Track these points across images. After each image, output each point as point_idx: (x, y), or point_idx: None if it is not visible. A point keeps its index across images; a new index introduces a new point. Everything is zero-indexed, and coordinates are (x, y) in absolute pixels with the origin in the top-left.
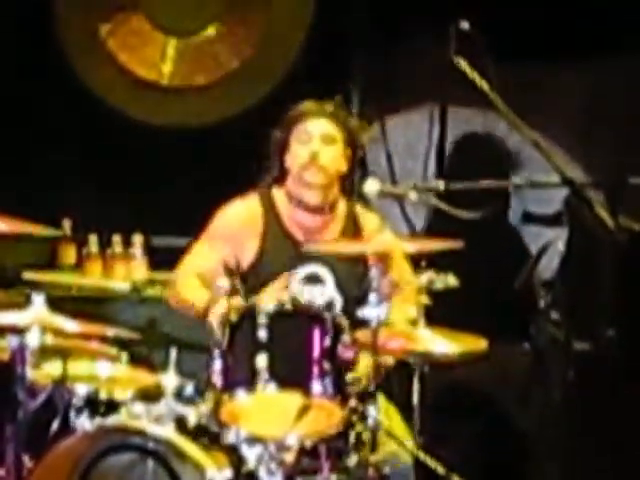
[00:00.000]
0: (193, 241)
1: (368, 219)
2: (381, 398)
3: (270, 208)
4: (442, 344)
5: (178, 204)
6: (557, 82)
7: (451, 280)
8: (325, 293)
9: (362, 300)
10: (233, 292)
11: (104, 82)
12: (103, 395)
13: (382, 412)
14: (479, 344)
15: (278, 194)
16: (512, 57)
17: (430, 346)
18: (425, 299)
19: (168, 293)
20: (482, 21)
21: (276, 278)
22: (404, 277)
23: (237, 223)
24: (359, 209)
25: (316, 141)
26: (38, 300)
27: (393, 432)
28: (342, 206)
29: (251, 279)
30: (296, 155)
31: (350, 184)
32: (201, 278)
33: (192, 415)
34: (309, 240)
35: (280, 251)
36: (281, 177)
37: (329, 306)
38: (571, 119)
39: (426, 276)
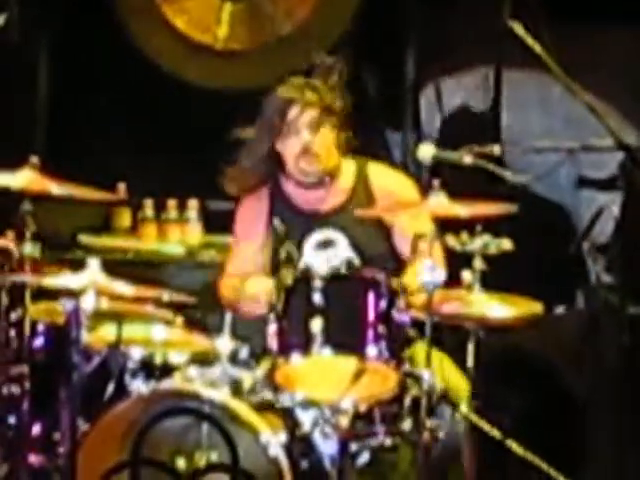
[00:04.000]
0: None
1: (381, 176)
2: (435, 352)
3: (275, 186)
4: (497, 308)
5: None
6: (612, 44)
7: (506, 244)
8: (338, 255)
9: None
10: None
11: (159, 47)
12: (158, 359)
13: (437, 365)
14: (534, 308)
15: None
16: (566, 19)
17: (485, 310)
18: (480, 263)
19: (232, 304)
20: None
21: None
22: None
23: (251, 214)
24: (372, 168)
25: (305, 132)
26: (93, 264)
27: (448, 396)
28: (350, 167)
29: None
30: (288, 146)
31: (350, 140)
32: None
33: (247, 379)
34: (313, 210)
35: (289, 221)
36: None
37: (349, 265)
38: (626, 82)
39: (481, 240)
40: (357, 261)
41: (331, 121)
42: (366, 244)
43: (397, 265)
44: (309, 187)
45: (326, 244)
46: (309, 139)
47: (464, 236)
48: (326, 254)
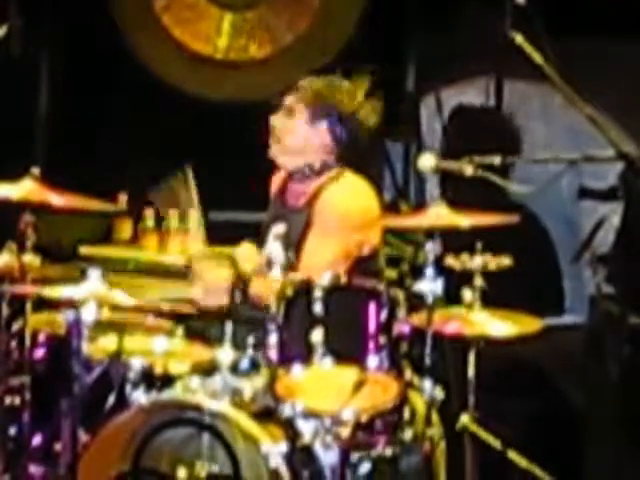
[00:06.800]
0: (249, 215)
1: (331, 192)
2: None
3: (282, 180)
4: (498, 326)
5: (234, 179)
6: (611, 55)
7: (505, 261)
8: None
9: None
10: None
11: (159, 58)
12: (159, 369)
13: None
14: (534, 325)
15: None
16: (567, 31)
17: (486, 329)
18: (480, 281)
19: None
20: None
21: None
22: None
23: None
24: (336, 185)
25: (274, 115)
26: (94, 275)
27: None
28: (332, 173)
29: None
30: None
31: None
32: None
33: (248, 389)
34: (286, 202)
35: (274, 211)
36: None
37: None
38: (626, 92)
39: (481, 259)
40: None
41: (311, 116)
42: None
43: None
44: (294, 180)
45: (284, 237)
46: (274, 121)
47: (464, 256)
48: (277, 246)
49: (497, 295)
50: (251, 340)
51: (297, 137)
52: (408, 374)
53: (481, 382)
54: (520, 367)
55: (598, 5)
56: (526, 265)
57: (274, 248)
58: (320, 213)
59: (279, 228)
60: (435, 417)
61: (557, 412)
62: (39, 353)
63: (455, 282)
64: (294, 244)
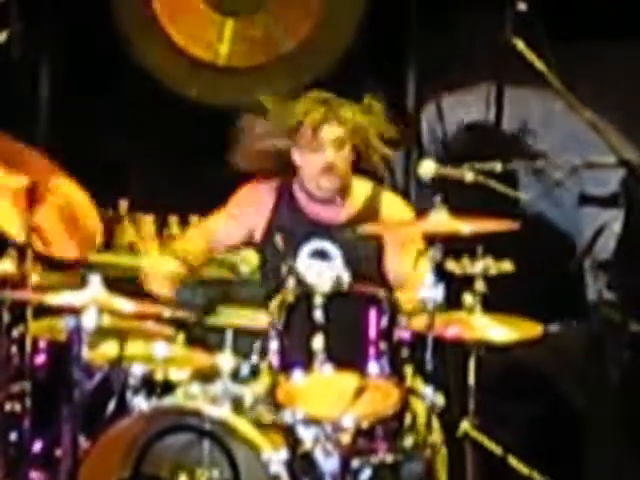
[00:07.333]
0: None
1: (392, 207)
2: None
3: (285, 186)
4: (498, 331)
5: (236, 185)
6: (613, 62)
7: (506, 266)
8: (333, 269)
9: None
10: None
11: (160, 63)
12: (159, 376)
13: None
14: (535, 330)
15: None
16: (568, 37)
17: (486, 334)
18: (481, 286)
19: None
20: (539, 2)
21: (288, 251)
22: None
23: (249, 197)
24: (387, 196)
25: (329, 150)
26: (95, 280)
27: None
28: (362, 188)
29: (266, 251)
30: (309, 162)
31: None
32: (208, 239)
33: (248, 396)
34: (318, 221)
35: (291, 226)
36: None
37: (338, 281)
38: (627, 99)
39: (482, 263)
40: (346, 279)
41: (350, 141)
42: (361, 265)
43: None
44: (320, 201)
45: (321, 255)
46: (333, 158)
47: (465, 261)
48: (319, 265)
49: (498, 300)
50: (256, 347)
51: (348, 165)
52: (409, 380)
53: (482, 386)
54: (521, 371)
55: (598, 8)
56: (527, 271)
57: (307, 268)
58: (390, 222)
59: (314, 245)
60: (436, 423)
61: (558, 416)
62: (40, 359)
63: (456, 287)
64: (356, 260)
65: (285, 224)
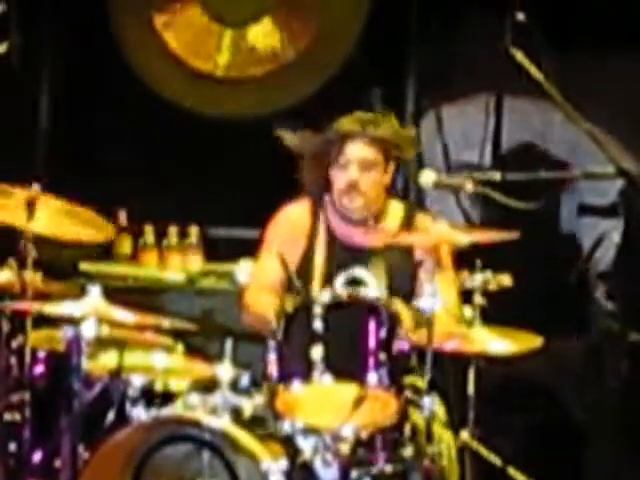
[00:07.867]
0: (248, 232)
1: (425, 225)
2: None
3: (318, 211)
4: (497, 344)
5: (234, 195)
6: (612, 72)
7: (506, 280)
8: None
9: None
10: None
11: (159, 74)
12: (159, 386)
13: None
14: (534, 342)
15: (328, 199)
16: (567, 48)
17: (486, 347)
18: (480, 299)
19: (242, 314)
20: (538, 12)
21: (325, 279)
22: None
23: (287, 226)
24: (421, 219)
25: (354, 168)
26: (94, 291)
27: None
28: (397, 211)
29: (301, 279)
30: (335, 179)
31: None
32: (271, 289)
33: (247, 406)
34: (352, 245)
35: (328, 253)
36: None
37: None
38: (626, 109)
39: (481, 277)
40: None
41: (383, 164)
42: (397, 288)
43: None
44: (353, 223)
45: (355, 282)
46: (357, 177)
47: (464, 274)
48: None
49: (499, 308)
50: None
51: (377, 187)
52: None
53: (481, 397)
54: (520, 381)
55: (597, 18)
56: (526, 281)
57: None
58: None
59: (348, 274)
60: (441, 432)
61: (557, 426)
62: (39, 370)
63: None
64: (392, 287)
65: (322, 251)
